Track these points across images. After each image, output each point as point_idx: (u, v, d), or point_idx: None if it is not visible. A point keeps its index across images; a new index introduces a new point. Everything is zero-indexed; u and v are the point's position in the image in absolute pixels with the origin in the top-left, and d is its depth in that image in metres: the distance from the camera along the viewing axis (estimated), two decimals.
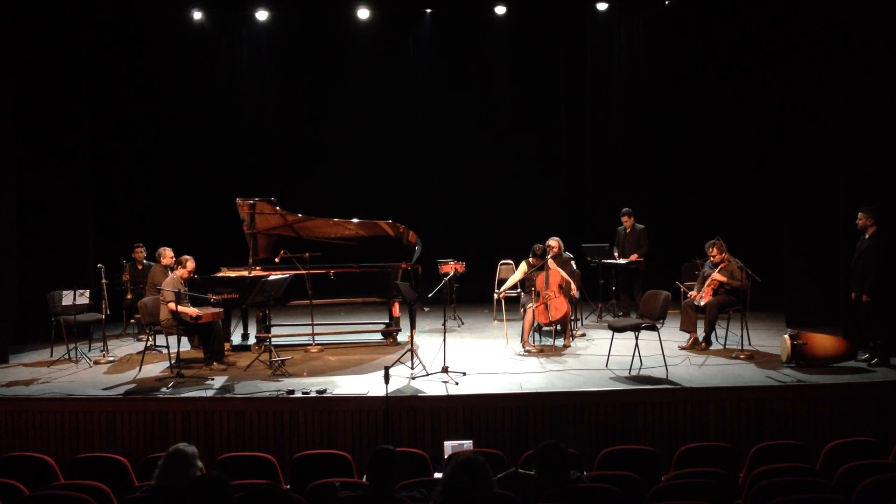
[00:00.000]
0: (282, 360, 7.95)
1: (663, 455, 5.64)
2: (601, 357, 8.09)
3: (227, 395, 7.08)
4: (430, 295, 8.47)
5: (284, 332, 9.71)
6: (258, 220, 9.13)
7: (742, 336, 8.40)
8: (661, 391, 7.06)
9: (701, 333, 8.66)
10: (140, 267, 10.02)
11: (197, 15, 11.65)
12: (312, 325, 8.90)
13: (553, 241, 9.32)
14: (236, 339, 9.47)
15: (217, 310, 8.26)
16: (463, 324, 10.55)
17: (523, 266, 9.05)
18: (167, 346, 8.23)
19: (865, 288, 7.82)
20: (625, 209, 10.71)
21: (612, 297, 10.73)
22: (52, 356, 8.70)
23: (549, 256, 8.87)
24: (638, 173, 12.29)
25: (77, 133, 10.33)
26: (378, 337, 9.69)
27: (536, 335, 9.16)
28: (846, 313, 8.61)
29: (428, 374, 7.58)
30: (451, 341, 8.56)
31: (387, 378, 6.57)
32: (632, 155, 12.34)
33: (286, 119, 12.56)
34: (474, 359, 8.35)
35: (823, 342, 7.78)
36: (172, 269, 8.47)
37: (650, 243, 10.59)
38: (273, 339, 8.92)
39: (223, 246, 10.66)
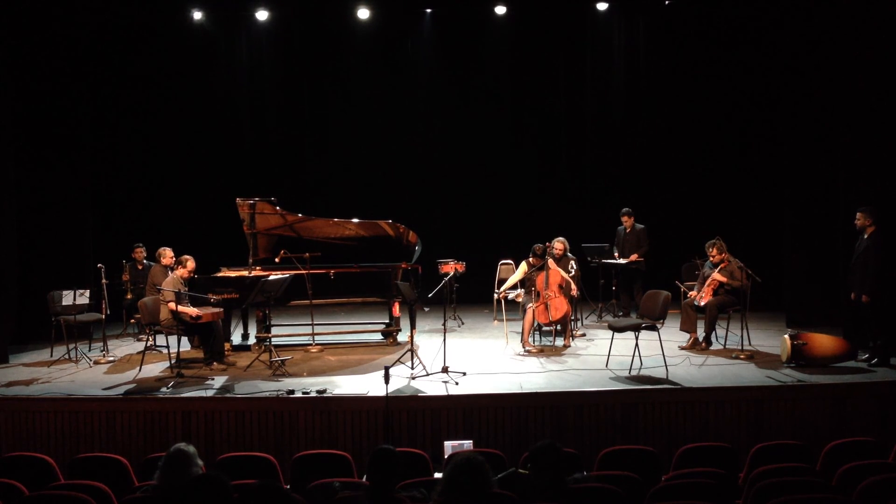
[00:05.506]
0: (282, 360, 7.95)
1: (663, 455, 5.64)
2: (601, 357, 8.09)
3: (227, 395, 7.08)
4: (430, 295, 8.46)
5: (284, 332, 9.71)
6: (258, 220, 9.13)
7: (742, 336, 8.40)
8: (661, 391, 7.06)
9: (701, 333, 8.66)
10: (140, 267, 10.02)
11: (197, 15, 11.65)
12: (312, 325, 8.90)
13: (558, 243, 9.33)
14: (236, 339, 9.47)
15: (217, 310, 8.26)
16: (463, 324, 10.54)
17: (523, 266, 9.06)
18: (167, 346, 8.24)
19: (865, 288, 7.82)
20: (625, 209, 10.71)
21: (612, 297, 10.74)
22: (52, 356, 8.69)
23: (548, 257, 8.88)
24: (638, 173, 12.29)
25: (77, 133, 10.32)
26: (378, 337, 9.68)
27: (536, 335, 9.16)
28: (846, 313, 8.61)
29: (428, 374, 7.58)
30: (451, 341, 8.56)
31: (387, 378, 6.57)
32: (632, 155, 12.35)
33: (286, 119, 12.57)
34: (474, 359, 8.35)
35: (823, 342, 7.78)
36: (172, 269, 8.48)
37: (650, 243, 10.60)
38: (273, 339, 8.92)
39: (223, 246, 10.66)
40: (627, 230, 10.66)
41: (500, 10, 11.86)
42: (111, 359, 8.68)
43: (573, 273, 9.32)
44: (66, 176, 10.20)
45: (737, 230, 10.49)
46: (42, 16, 9.80)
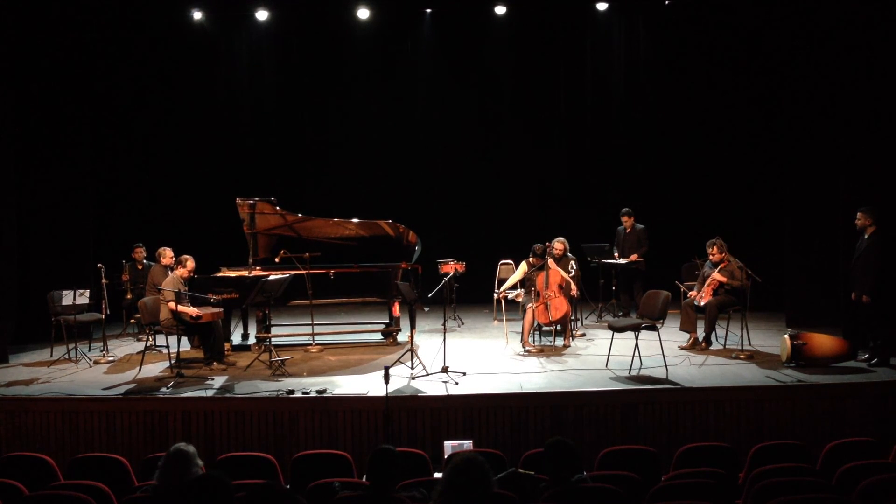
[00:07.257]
0: (282, 360, 7.95)
1: (663, 455, 5.64)
2: (601, 357, 8.09)
3: (227, 395, 7.08)
4: (430, 295, 8.47)
5: (284, 332, 9.71)
6: (258, 220, 9.13)
7: (742, 336, 8.39)
8: (661, 391, 7.06)
9: (701, 333, 8.65)
10: (140, 267, 10.02)
11: (197, 15, 11.65)
12: (312, 325, 8.90)
13: (558, 243, 9.33)
14: (236, 339, 9.46)
15: (217, 310, 8.26)
16: (463, 324, 10.54)
17: (523, 266, 9.06)
18: (167, 346, 8.24)
19: (865, 288, 7.82)
20: (625, 209, 10.71)
21: (612, 297, 10.74)
22: (52, 356, 8.69)
23: (548, 257, 8.88)
24: (638, 173, 12.29)
25: (77, 133, 10.33)
26: (378, 337, 9.69)
27: (536, 335, 9.16)
28: (846, 313, 8.61)
29: (428, 374, 7.57)
30: (451, 341, 8.56)
31: (387, 378, 6.57)
32: (632, 155, 12.35)
33: (286, 119, 12.56)
34: (474, 359, 8.34)
35: (823, 342, 7.78)
36: (172, 269, 8.48)
37: (650, 243, 10.60)
38: (273, 339, 8.92)
39: (223, 246, 10.66)
40: (627, 230, 10.66)
41: (500, 10, 11.86)
42: (111, 359, 8.68)
43: (573, 273, 9.32)
44: (67, 176, 10.21)
45: (737, 230, 10.49)
46: (42, 15, 9.80)
